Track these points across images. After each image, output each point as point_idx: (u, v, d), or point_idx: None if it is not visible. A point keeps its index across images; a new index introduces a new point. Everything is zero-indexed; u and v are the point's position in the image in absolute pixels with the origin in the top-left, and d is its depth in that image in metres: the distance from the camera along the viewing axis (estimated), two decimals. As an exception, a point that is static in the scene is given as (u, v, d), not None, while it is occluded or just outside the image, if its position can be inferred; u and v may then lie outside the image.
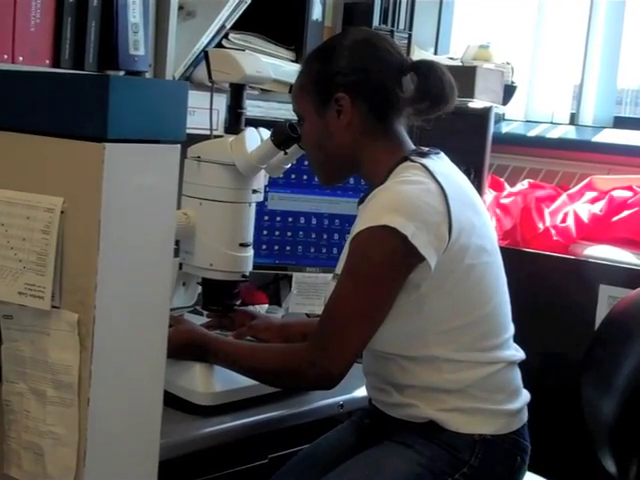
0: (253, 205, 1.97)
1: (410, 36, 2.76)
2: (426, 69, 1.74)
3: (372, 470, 1.67)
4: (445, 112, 1.75)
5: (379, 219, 1.61)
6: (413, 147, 1.78)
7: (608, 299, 2.26)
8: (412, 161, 1.71)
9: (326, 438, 1.89)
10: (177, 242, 1.90)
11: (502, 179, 2.82)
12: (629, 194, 2.50)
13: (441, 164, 1.74)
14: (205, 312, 2.07)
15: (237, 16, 2.27)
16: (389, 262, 1.63)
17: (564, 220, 2.53)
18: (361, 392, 2.01)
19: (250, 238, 1.97)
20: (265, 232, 2.42)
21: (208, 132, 2.01)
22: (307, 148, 1.85)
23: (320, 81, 1.77)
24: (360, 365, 2.26)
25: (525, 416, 1.76)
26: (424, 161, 1.71)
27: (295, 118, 1.86)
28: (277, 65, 2.35)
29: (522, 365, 1.79)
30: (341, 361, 1.64)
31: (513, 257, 2.01)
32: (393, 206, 1.62)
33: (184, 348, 1.79)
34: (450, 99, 1.73)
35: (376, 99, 1.75)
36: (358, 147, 1.77)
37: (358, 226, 1.65)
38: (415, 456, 1.67)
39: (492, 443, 1.68)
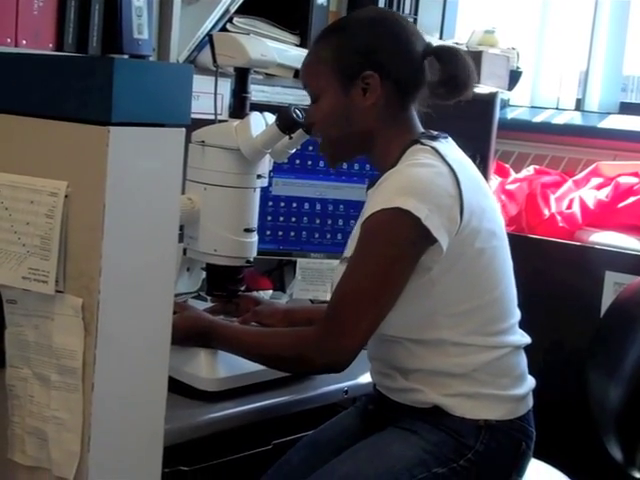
0: (257, 190, 1.96)
1: (415, 20, 2.75)
2: (449, 55, 1.73)
3: (377, 456, 1.67)
4: (464, 98, 1.74)
5: (392, 201, 1.60)
6: (422, 130, 1.78)
7: (614, 285, 2.26)
8: (422, 144, 1.71)
9: (330, 424, 1.89)
10: (181, 227, 1.90)
11: (507, 165, 2.82)
12: (635, 180, 2.49)
13: (450, 148, 1.74)
14: (209, 297, 2.07)
15: (242, 0, 2.26)
16: (402, 244, 1.62)
17: (570, 206, 2.52)
18: (365, 378, 2.00)
19: (254, 223, 1.96)
20: (269, 218, 2.41)
21: (212, 117, 2.00)
22: (321, 126, 1.80)
23: (347, 57, 1.74)
24: (365, 351, 2.26)
25: (530, 402, 1.76)
26: (434, 144, 1.70)
27: (300, 102, 1.85)
28: (282, 49, 2.33)
29: (527, 351, 1.78)
30: (351, 344, 1.63)
31: (518, 243, 1.99)
32: (406, 189, 1.62)
33: (190, 334, 1.78)
34: (470, 85, 1.74)
35: (404, 81, 1.75)
36: (375, 128, 1.75)
37: (370, 209, 1.64)
38: (420, 442, 1.67)
39: (497, 429, 1.68)
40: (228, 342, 1.78)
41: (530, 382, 1.78)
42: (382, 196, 1.64)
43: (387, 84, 1.73)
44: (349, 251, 1.72)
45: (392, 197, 1.61)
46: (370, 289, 1.63)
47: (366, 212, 1.66)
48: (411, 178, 1.64)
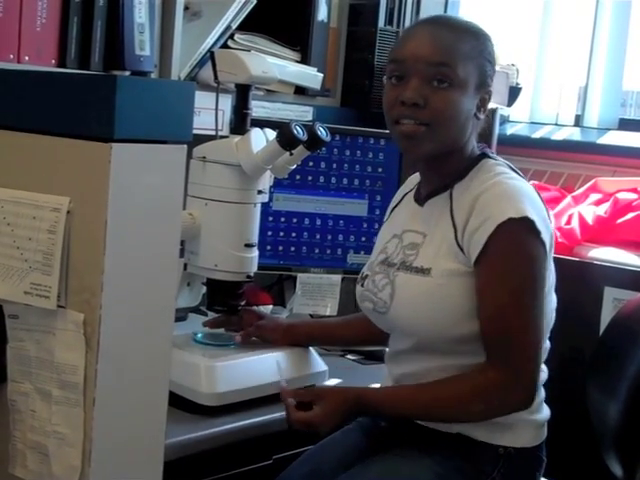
0: (258, 206, 1.96)
1: (415, 37, 2.75)
2: None
3: (388, 475, 1.65)
4: None
5: (519, 211, 1.59)
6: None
7: (613, 301, 2.25)
8: (492, 158, 1.73)
9: (333, 439, 1.85)
10: (182, 242, 1.90)
11: (507, 181, 2.81)
12: (634, 196, 2.49)
13: None
14: (209, 312, 2.07)
15: (243, 17, 2.27)
16: (539, 257, 1.62)
17: (569, 222, 2.52)
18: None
19: (255, 239, 1.96)
20: (270, 233, 2.42)
21: (213, 132, 2.01)
22: (443, 115, 1.67)
23: (486, 66, 1.72)
24: (364, 366, 2.26)
25: (545, 433, 1.74)
26: (502, 159, 1.74)
27: (301, 118, 1.86)
28: (283, 66, 2.35)
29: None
30: (532, 373, 1.61)
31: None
32: (521, 200, 1.61)
33: (342, 417, 1.70)
34: None
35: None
36: (466, 142, 1.73)
37: (494, 219, 1.59)
38: (434, 466, 1.63)
39: (515, 458, 1.67)
40: (388, 405, 1.68)
41: (547, 412, 1.76)
42: (497, 207, 1.60)
43: (488, 104, 1.74)
44: (423, 261, 1.69)
45: (513, 207, 1.59)
46: (531, 307, 1.60)
47: (472, 224, 1.61)
48: (520, 191, 1.63)
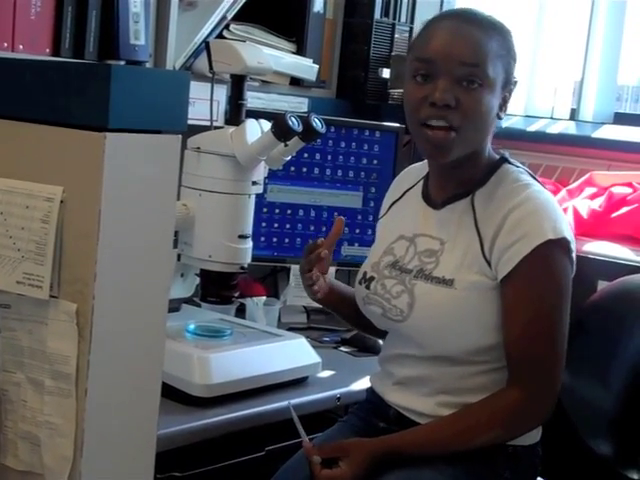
0: (252, 197, 1.96)
1: (411, 29, 2.76)
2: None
3: None
4: None
5: (558, 231, 1.58)
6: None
7: (606, 295, 2.25)
8: (512, 164, 1.69)
9: (331, 436, 1.77)
10: (176, 233, 1.90)
11: (501, 174, 2.81)
12: (629, 190, 2.49)
13: None
14: (203, 303, 2.07)
15: (238, 7, 2.27)
16: (569, 278, 1.63)
17: (563, 216, 2.53)
18: (358, 385, 2.01)
19: (249, 230, 1.96)
20: (264, 224, 2.42)
21: (208, 123, 2.00)
22: (473, 117, 1.61)
23: (511, 64, 1.65)
24: (357, 358, 2.26)
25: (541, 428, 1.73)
26: (522, 166, 1.70)
27: (296, 109, 1.85)
28: (278, 57, 2.34)
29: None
30: (555, 391, 1.60)
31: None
32: (556, 219, 1.60)
33: (370, 470, 1.60)
34: None
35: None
36: (485, 142, 1.68)
37: (531, 239, 1.57)
38: (449, 470, 1.59)
39: (522, 456, 1.65)
40: (417, 444, 1.62)
41: None
42: (534, 226, 1.58)
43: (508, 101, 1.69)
44: (444, 271, 1.63)
45: (551, 227, 1.58)
46: (561, 326, 1.60)
47: (511, 242, 1.58)
48: (552, 206, 1.62)
